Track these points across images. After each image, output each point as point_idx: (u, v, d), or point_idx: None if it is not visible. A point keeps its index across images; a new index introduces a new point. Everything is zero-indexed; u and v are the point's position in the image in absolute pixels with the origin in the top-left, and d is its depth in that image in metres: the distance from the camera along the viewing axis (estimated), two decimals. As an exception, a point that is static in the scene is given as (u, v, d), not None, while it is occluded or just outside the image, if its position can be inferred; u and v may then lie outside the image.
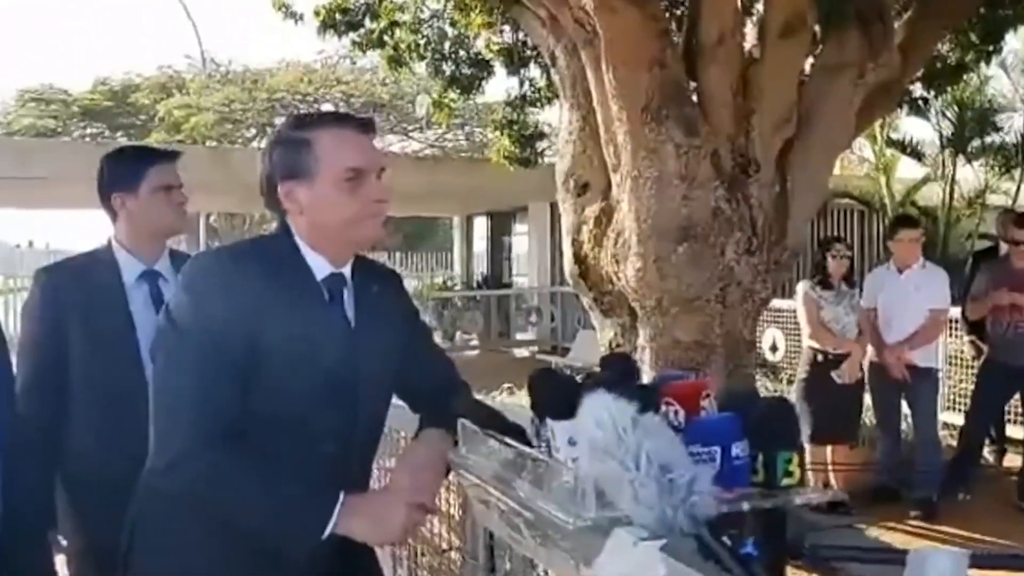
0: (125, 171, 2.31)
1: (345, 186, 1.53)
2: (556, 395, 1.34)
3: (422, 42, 8.13)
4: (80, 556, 2.21)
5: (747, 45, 5.13)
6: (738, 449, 1.15)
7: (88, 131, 21.64)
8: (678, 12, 5.84)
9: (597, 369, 1.62)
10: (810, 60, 5.31)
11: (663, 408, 1.27)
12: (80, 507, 2.18)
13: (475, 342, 13.94)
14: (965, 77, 8.95)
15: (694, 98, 4.92)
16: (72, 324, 2.17)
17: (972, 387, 5.69)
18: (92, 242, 2.48)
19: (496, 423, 1.46)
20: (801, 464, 1.16)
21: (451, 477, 1.67)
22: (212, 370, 1.45)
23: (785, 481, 1.15)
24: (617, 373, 1.41)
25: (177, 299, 1.52)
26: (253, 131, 20.32)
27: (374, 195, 1.55)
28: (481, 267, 18.47)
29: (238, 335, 1.46)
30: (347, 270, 1.62)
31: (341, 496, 1.45)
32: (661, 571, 0.95)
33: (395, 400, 1.76)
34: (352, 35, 7.97)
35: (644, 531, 1.01)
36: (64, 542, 2.22)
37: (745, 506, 1.11)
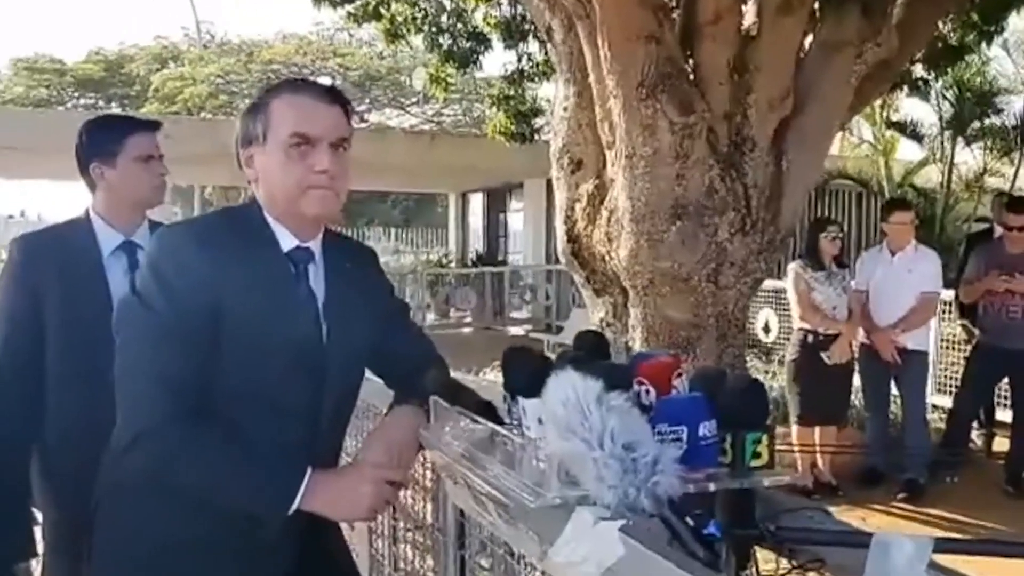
0: (104, 140, 2.27)
1: (292, 152, 1.49)
2: (527, 373, 1.32)
3: (419, 15, 8.08)
4: (55, 526, 2.20)
5: (745, 22, 5.07)
6: (705, 429, 1.13)
7: (82, 101, 21.50)
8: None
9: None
10: (808, 38, 5.26)
11: (635, 387, 1.26)
12: (54, 478, 2.16)
13: (469, 319, 13.92)
14: (966, 58, 8.90)
15: (690, 75, 4.87)
16: (49, 292, 2.14)
17: (964, 371, 5.69)
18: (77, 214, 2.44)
19: (469, 401, 1.44)
20: (771, 445, 1.14)
21: (427, 454, 1.65)
22: (177, 345, 1.43)
23: (753, 462, 1.13)
24: (587, 351, 1.39)
25: (141, 273, 1.50)
26: (248, 103, 20.18)
27: (319, 164, 1.49)
28: (476, 244, 18.43)
29: (202, 309, 1.44)
30: (315, 245, 1.59)
31: (308, 471, 1.44)
32: (619, 551, 0.94)
33: (371, 375, 1.74)
34: (348, 7, 7.90)
35: (606, 511, 1.00)
36: (39, 514, 2.21)
37: (711, 487, 1.09)
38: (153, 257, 1.49)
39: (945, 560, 0.97)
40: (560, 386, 1.07)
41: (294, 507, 1.42)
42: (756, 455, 1.13)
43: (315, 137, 1.50)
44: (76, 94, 21.69)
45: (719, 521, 1.03)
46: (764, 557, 1.12)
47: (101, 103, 21.32)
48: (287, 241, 1.55)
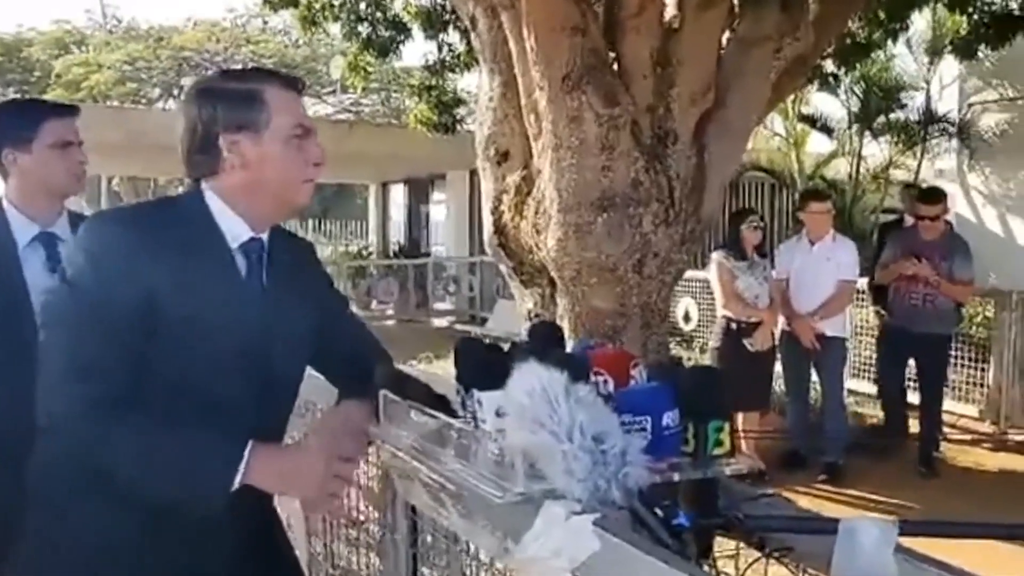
0: (17, 125, 2.15)
1: (293, 143, 1.50)
2: (483, 365, 1.30)
3: (337, 2, 7.91)
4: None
5: (667, 15, 5.12)
6: (668, 419, 1.13)
7: (-24, 87, 20.46)
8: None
9: (521, 338, 1.59)
10: (728, 33, 5.34)
11: (592, 378, 1.24)
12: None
13: (392, 312, 13.80)
14: (873, 55, 9.21)
15: (614, 67, 4.90)
16: None
17: (876, 356, 5.92)
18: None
19: (420, 394, 1.41)
20: (732, 433, 1.15)
21: (371, 450, 1.61)
22: (103, 328, 1.37)
23: (715, 451, 1.13)
24: (545, 343, 1.37)
25: (70, 258, 1.44)
26: (158, 91, 19.53)
27: (315, 156, 1.52)
28: (398, 236, 18.26)
29: (133, 295, 1.38)
30: (265, 236, 1.56)
31: (249, 443, 1.38)
32: (595, 545, 0.92)
33: (312, 371, 1.69)
34: (264, -7, 7.70)
35: (576, 504, 0.98)
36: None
37: (676, 476, 1.09)
38: (83, 241, 1.43)
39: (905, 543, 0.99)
40: (525, 377, 1.05)
41: (237, 481, 1.35)
42: (718, 443, 1.13)
43: (313, 129, 1.52)
44: (-31, 79, 20.62)
45: (688, 511, 1.03)
46: (727, 546, 1.12)
47: (-2, 89, 20.33)
48: (242, 231, 1.51)
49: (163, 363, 1.41)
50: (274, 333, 1.51)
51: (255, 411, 1.50)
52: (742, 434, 5.24)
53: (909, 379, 6.12)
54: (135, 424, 1.38)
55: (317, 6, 7.77)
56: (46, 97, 16.19)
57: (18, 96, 15.89)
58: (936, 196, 5.50)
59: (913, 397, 6.03)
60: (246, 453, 1.37)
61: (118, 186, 20.38)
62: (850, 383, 6.41)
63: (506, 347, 1.43)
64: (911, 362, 5.74)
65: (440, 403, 1.37)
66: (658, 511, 1.00)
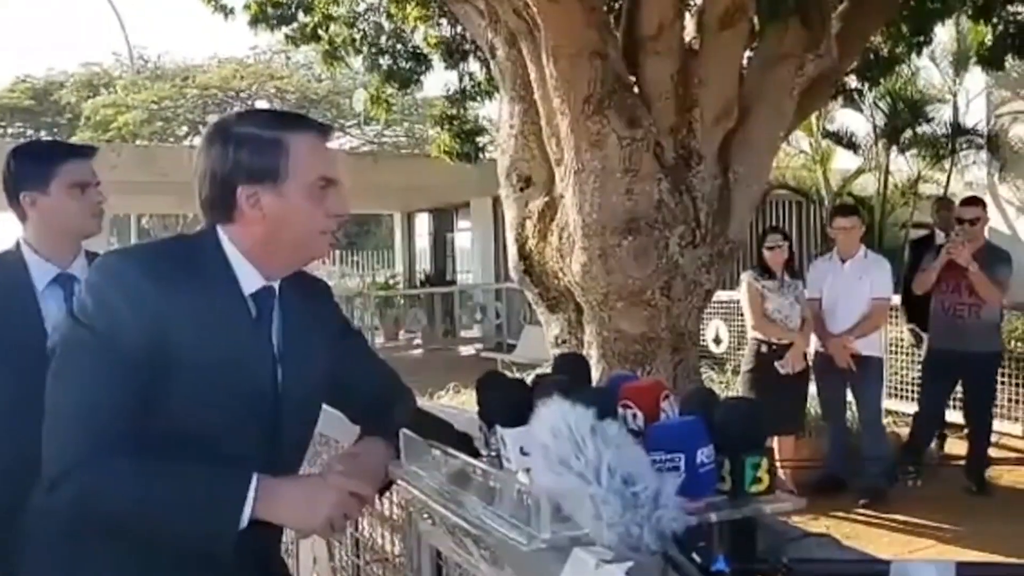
0: (35, 167, 2.14)
1: (316, 195, 1.41)
2: (506, 400, 1.24)
3: (358, 36, 7.98)
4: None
5: (687, 36, 5.09)
6: (703, 455, 1.06)
7: (10, 131, 20.87)
8: (616, 4, 5.79)
9: (547, 369, 1.53)
10: (749, 52, 5.30)
11: (620, 411, 1.18)
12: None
13: (419, 341, 13.77)
14: (897, 69, 9.10)
15: (635, 90, 4.87)
16: None
17: (913, 374, 5.76)
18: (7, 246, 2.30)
19: (443, 433, 1.36)
20: (770, 469, 1.08)
21: (397, 490, 1.56)
22: (116, 370, 1.31)
23: (754, 488, 1.06)
24: (571, 376, 1.31)
25: (80, 297, 1.38)
26: (185, 129, 19.82)
27: (338, 208, 1.44)
28: (424, 264, 18.30)
29: (144, 344, 1.32)
30: (277, 283, 1.49)
31: (255, 477, 1.32)
32: (627, 597, 0.86)
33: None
34: (285, 29, 7.78)
35: (607, 552, 0.92)
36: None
37: (713, 517, 1.02)
38: (95, 280, 1.37)
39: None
40: (550, 415, 0.99)
41: (245, 515, 1.29)
42: (756, 480, 1.06)
43: (337, 180, 1.43)
44: (3, 123, 21.06)
45: (727, 555, 0.96)
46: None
47: (30, 132, 20.74)
48: (253, 280, 1.44)
49: (169, 409, 1.36)
50: (284, 385, 1.45)
51: (264, 459, 1.43)
52: (779, 462, 5.12)
53: (953, 399, 5.93)
54: (138, 467, 1.32)
55: (338, 40, 7.83)
56: (75, 138, 16.49)
57: (47, 139, 16.21)
58: (975, 199, 5.43)
59: (954, 416, 5.86)
60: (252, 485, 1.31)
61: (148, 223, 20.64)
62: (887, 403, 6.25)
63: (530, 379, 1.38)
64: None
65: (463, 442, 1.31)
66: (695, 556, 0.93)
